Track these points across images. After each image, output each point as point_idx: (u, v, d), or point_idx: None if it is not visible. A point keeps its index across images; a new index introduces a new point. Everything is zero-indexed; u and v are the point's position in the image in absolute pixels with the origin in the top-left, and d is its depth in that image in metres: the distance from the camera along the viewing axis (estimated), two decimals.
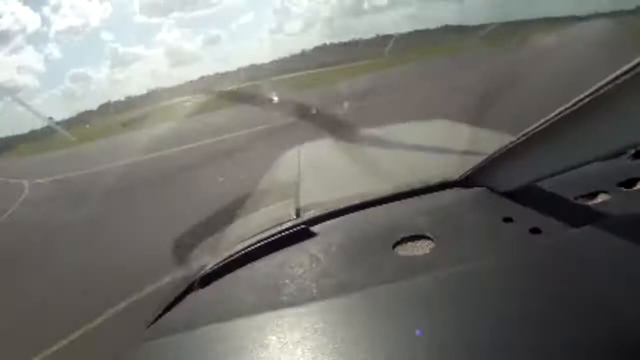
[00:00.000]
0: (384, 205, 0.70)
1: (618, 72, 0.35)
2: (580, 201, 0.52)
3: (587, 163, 0.42)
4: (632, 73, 0.34)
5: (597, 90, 0.37)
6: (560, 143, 0.45)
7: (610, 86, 0.36)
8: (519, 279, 0.37)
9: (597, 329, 0.30)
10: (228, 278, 0.57)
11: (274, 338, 0.36)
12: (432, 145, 1.20)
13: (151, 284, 2.39)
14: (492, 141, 0.76)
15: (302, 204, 0.82)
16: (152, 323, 0.58)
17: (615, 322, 0.30)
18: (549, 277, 0.36)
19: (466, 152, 0.81)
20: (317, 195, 0.85)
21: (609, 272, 0.36)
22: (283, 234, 0.65)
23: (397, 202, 0.71)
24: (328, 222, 0.69)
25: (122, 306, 2.42)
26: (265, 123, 7.34)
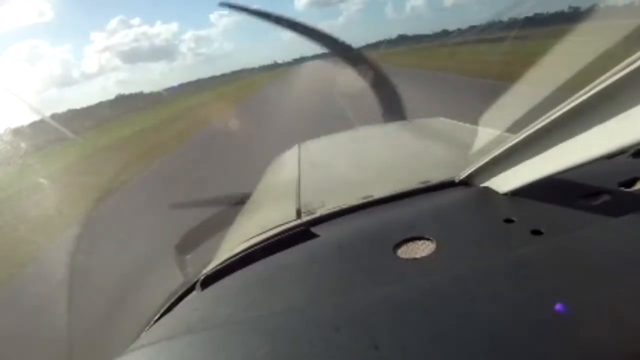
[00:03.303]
0: (384, 206, 0.70)
1: (618, 68, 0.34)
2: (581, 201, 0.52)
3: (588, 163, 0.41)
4: (632, 69, 0.33)
5: (596, 88, 0.37)
6: (560, 142, 0.45)
7: (610, 83, 0.35)
8: (521, 282, 0.37)
9: (598, 331, 0.30)
10: (228, 280, 0.57)
11: (275, 342, 0.36)
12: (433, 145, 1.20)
13: None
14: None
15: (302, 204, 0.82)
16: (151, 326, 0.58)
17: (617, 325, 0.30)
18: (552, 280, 0.36)
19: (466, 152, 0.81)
20: (318, 196, 0.85)
21: (612, 273, 0.35)
22: (283, 235, 0.65)
23: (397, 203, 0.70)
24: (328, 223, 0.68)
25: None
26: None
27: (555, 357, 0.28)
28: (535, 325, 0.31)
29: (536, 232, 0.47)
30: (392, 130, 1.54)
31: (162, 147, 10.67)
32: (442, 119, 1.56)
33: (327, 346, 0.33)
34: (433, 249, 0.48)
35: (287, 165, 1.34)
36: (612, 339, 0.29)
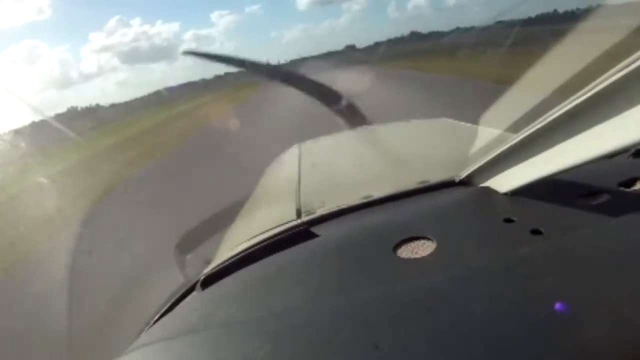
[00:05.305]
0: (385, 206, 0.70)
1: (618, 68, 0.34)
2: (581, 201, 0.52)
3: (588, 163, 0.41)
4: (632, 69, 0.33)
5: (596, 88, 0.37)
6: (560, 142, 0.45)
7: (610, 83, 0.35)
8: (521, 282, 0.37)
9: (598, 331, 0.29)
10: (228, 280, 0.57)
11: (275, 342, 0.36)
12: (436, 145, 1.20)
13: None
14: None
15: (302, 204, 0.82)
16: (151, 326, 0.58)
17: (617, 325, 0.30)
18: (551, 279, 0.36)
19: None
20: (318, 195, 0.85)
21: (611, 273, 0.35)
22: (283, 235, 0.65)
23: (397, 203, 0.70)
24: (328, 223, 0.69)
25: None
26: None
27: (555, 357, 0.28)
28: (535, 325, 0.31)
29: (536, 232, 0.47)
30: (393, 130, 1.54)
31: None
32: (446, 119, 1.55)
33: (327, 346, 0.33)
34: (433, 249, 0.48)
35: (287, 165, 1.34)
36: (612, 339, 0.29)
